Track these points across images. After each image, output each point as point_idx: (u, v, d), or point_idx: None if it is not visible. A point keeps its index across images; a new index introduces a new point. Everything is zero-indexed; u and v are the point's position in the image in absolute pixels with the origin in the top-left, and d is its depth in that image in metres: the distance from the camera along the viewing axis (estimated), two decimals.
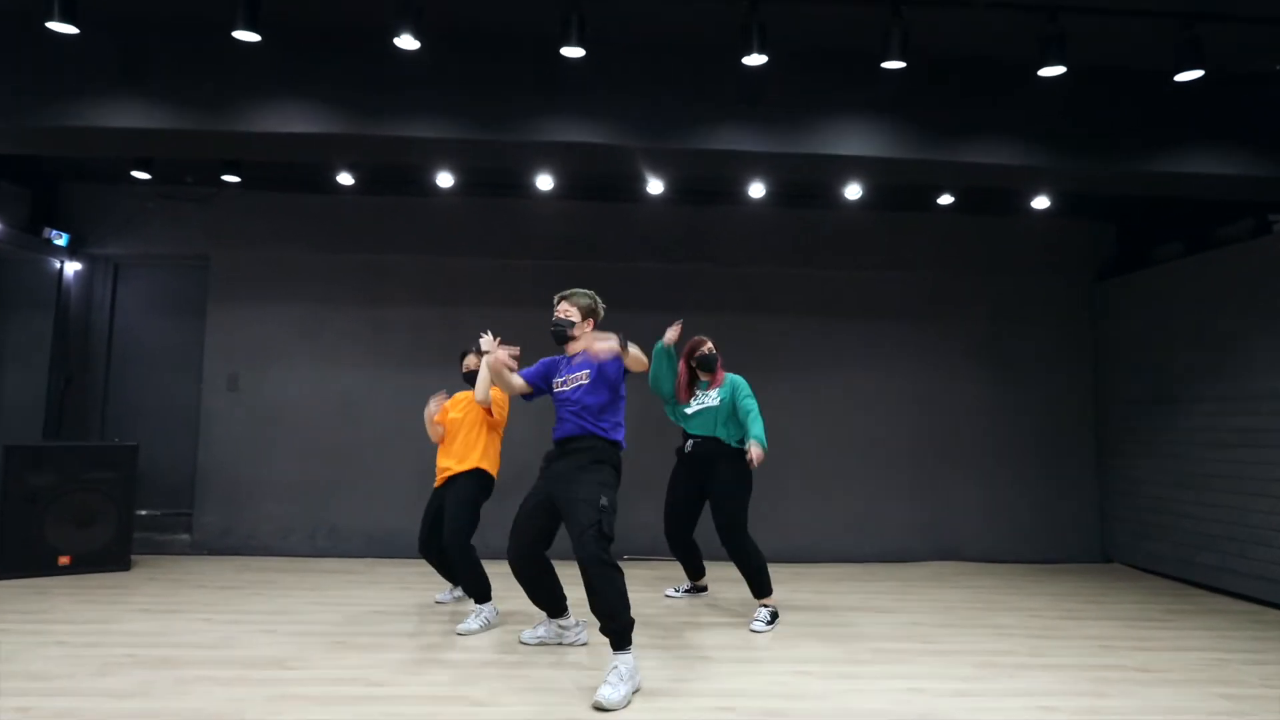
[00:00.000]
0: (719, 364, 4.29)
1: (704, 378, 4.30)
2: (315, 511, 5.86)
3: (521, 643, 3.61)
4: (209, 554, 5.71)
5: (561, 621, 3.63)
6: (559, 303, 3.48)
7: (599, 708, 2.81)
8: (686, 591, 4.74)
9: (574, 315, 3.43)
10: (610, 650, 3.03)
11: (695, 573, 4.68)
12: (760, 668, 3.41)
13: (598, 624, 3.07)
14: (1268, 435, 4.89)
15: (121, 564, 5.09)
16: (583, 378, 3.34)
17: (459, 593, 4.44)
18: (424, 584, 4.85)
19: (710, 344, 4.31)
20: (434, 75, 3.78)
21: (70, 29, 3.20)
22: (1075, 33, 3.49)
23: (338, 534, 5.84)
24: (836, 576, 5.44)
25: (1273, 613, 4.68)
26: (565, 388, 3.39)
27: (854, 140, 3.91)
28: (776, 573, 4.90)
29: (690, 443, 4.27)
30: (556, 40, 3.43)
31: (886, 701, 3.04)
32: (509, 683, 3.13)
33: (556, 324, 3.43)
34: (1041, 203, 5.59)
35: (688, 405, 4.27)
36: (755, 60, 3.42)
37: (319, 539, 5.83)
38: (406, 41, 3.30)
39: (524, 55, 3.80)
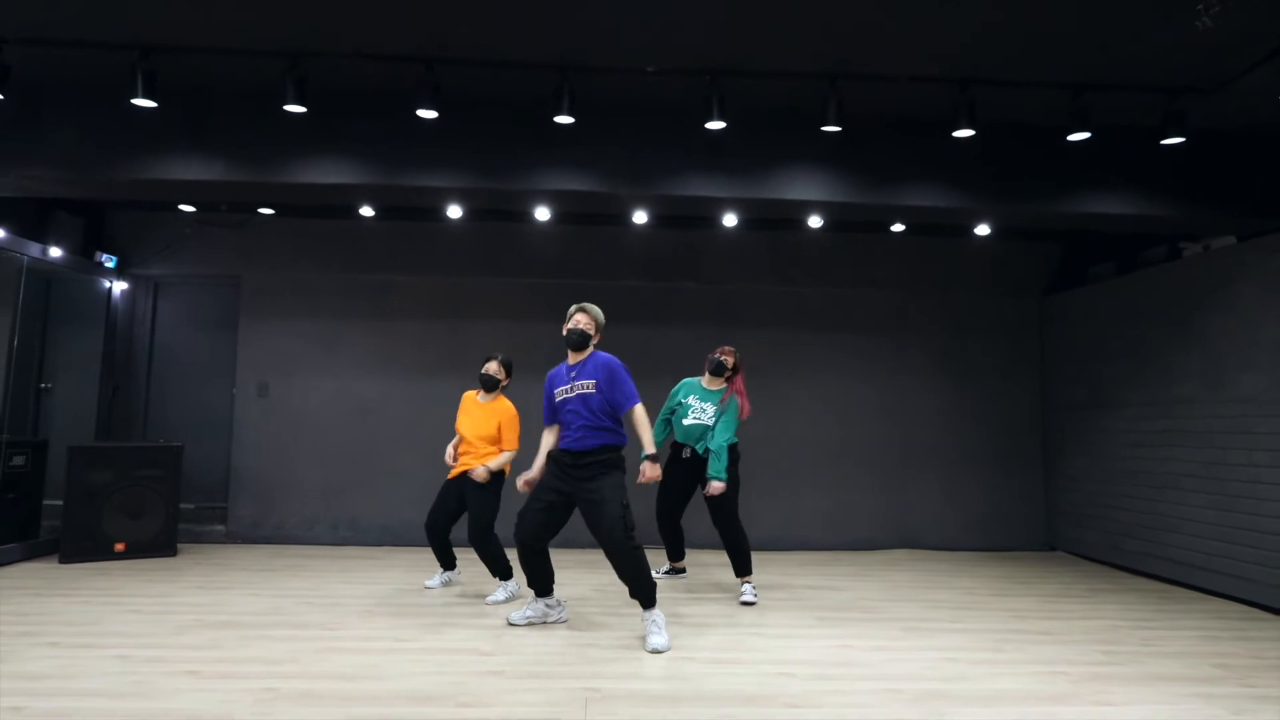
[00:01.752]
0: (731, 377, 4.80)
1: (708, 383, 4.83)
2: (337, 505, 6.53)
3: (510, 624, 4.04)
4: (243, 543, 6.39)
5: (548, 601, 4.10)
6: (576, 313, 3.98)
7: (656, 651, 3.65)
8: (666, 573, 5.37)
9: (590, 328, 3.96)
10: (643, 611, 3.83)
11: (677, 554, 5.30)
12: (715, 629, 4.10)
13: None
14: (1178, 435, 5.56)
15: (169, 550, 5.77)
16: (589, 386, 3.88)
17: (446, 577, 4.98)
18: (434, 567, 5.51)
19: (726, 355, 4.82)
20: (449, 135, 4.48)
21: (150, 104, 3.90)
22: (985, 98, 4.18)
23: (358, 525, 6.51)
24: (803, 562, 6.11)
25: (1181, 591, 5.34)
26: (570, 394, 3.90)
27: (803, 187, 4.61)
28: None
29: (688, 450, 4.86)
30: (551, 105, 4.11)
31: (819, 654, 3.72)
32: (513, 639, 3.82)
33: (578, 333, 3.92)
34: (984, 230, 6.26)
35: (685, 416, 4.84)
36: (716, 125, 4.11)
37: (341, 529, 6.51)
38: (426, 112, 4.00)
39: (524, 118, 4.50)
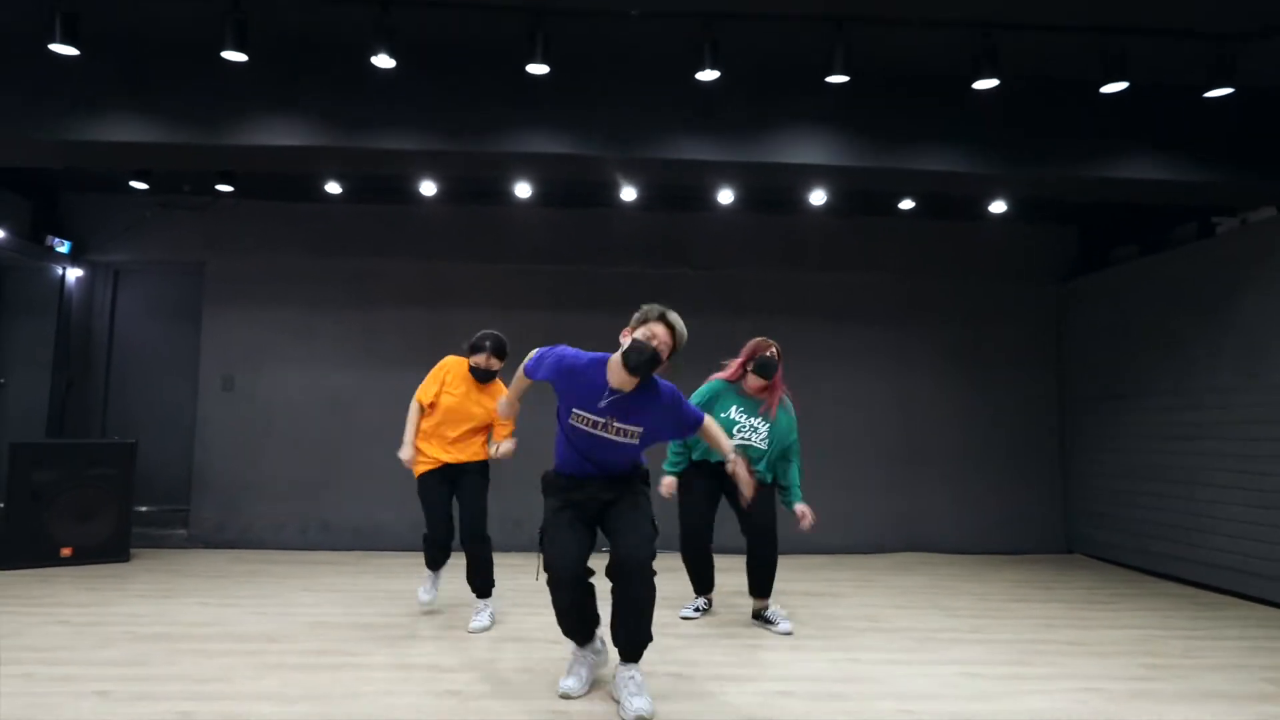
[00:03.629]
0: (779, 378, 3.91)
1: (755, 392, 3.91)
2: (306, 507, 6.10)
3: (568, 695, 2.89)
4: (205, 547, 5.96)
5: (594, 647, 3.04)
6: (656, 323, 2.74)
7: (641, 718, 2.65)
8: (698, 611, 4.15)
9: (666, 351, 2.73)
10: (621, 664, 2.85)
11: (709, 584, 4.18)
12: (718, 643, 3.65)
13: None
14: (1211, 429, 5.14)
15: (121, 555, 5.33)
16: (634, 436, 2.78)
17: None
18: (407, 574, 5.08)
19: (775, 348, 3.88)
20: (410, 90, 4.05)
21: (72, 50, 3.49)
22: (1009, 46, 3.77)
23: (328, 528, 6.08)
24: (807, 566, 5.66)
25: (1214, 596, 4.91)
26: (600, 431, 2.75)
27: (804, 149, 4.18)
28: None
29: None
30: (524, 57, 3.70)
31: (824, 669, 3.28)
32: (480, 653, 3.38)
33: (649, 353, 2.67)
34: (999, 207, 5.85)
35: (730, 434, 3.72)
36: (708, 75, 3.70)
37: (310, 533, 6.08)
38: (382, 60, 3.58)
39: (494, 70, 4.07)
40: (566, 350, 2.86)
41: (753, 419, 3.89)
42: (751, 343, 3.95)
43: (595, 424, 2.75)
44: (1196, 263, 5.31)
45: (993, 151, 4.29)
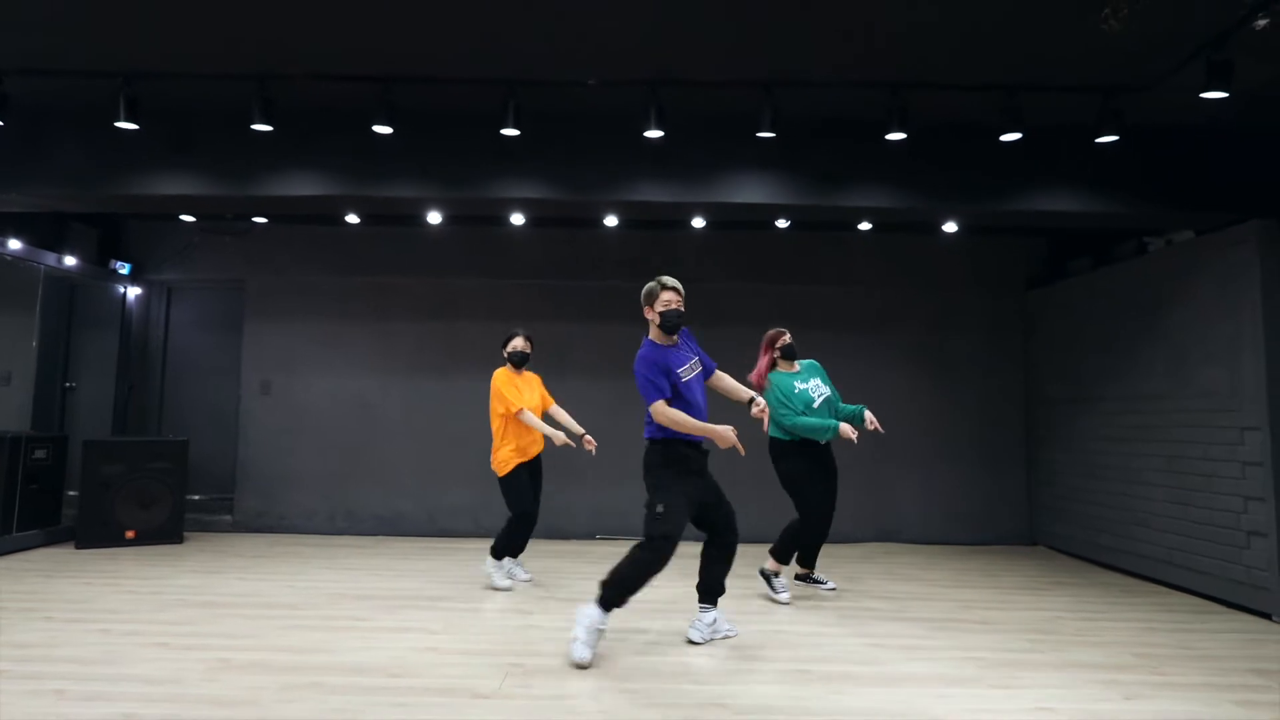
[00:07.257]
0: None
1: (785, 367, 4.74)
2: (334, 497, 6.89)
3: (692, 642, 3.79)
4: (247, 532, 6.79)
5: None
6: (668, 290, 3.66)
7: (577, 665, 3.37)
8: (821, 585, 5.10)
9: (681, 304, 3.69)
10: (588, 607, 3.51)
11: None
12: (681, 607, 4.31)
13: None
14: (1144, 430, 5.58)
15: (176, 538, 6.19)
16: (697, 366, 3.73)
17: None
18: (418, 555, 5.83)
19: (789, 335, 4.75)
20: (409, 148, 4.76)
21: (133, 126, 4.26)
22: (921, 100, 4.29)
23: (353, 516, 6.87)
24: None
25: (1144, 585, 5.36)
26: (689, 375, 3.65)
27: (750, 190, 4.77)
28: None
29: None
30: (501, 121, 4.35)
31: (753, 631, 3.91)
32: (461, 618, 4.09)
33: (679, 314, 3.65)
34: (952, 227, 6.32)
35: (813, 400, 4.67)
36: (654, 133, 4.30)
37: (338, 520, 6.87)
38: (381, 127, 4.28)
39: (479, 130, 4.74)
40: (648, 356, 3.63)
41: (811, 380, 4.76)
42: (770, 335, 4.80)
43: (689, 369, 3.67)
44: (1131, 277, 5.74)
45: (915, 188, 4.81)
